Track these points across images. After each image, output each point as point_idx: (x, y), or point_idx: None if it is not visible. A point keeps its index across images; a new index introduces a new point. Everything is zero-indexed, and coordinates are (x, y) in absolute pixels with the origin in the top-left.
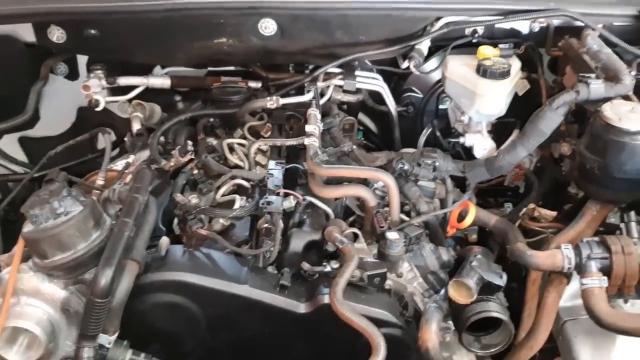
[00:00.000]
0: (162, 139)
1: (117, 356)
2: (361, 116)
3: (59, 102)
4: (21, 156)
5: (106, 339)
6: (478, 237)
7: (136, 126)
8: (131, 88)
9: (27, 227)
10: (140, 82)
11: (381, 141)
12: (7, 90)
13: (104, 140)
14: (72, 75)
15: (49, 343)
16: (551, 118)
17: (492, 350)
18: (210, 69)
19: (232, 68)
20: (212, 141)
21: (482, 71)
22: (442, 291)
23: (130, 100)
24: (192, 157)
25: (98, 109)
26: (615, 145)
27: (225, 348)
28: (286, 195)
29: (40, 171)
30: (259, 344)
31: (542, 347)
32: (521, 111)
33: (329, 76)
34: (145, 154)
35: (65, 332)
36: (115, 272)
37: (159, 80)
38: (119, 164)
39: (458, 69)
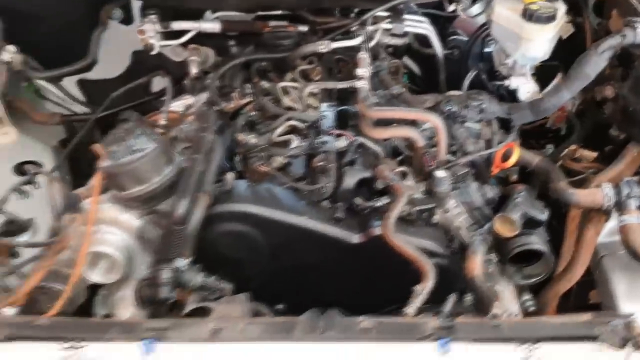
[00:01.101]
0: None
1: (190, 278)
2: (405, 59)
3: (114, 46)
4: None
5: (181, 263)
6: (518, 177)
7: (194, 69)
8: (183, 33)
9: (106, 162)
10: (192, 26)
11: (425, 84)
12: (70, 37)
13: (165, 81)
14: (127, 20)
15: (126, 267)
16: (596, 62)
17: (533, 280)
18: (258, 13)
19: (279, 12)
20: (265, 84)
21: (528, 15)
22: (487, 225)
23: (183, 45)
24: (251, 99)
25: (152, 53)
26: None
27: (285, 274)
28: (339, 135)
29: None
30: (314, 271)
31: (579, 280)
32: (564, 55)
33: (377, 20)
34: (203, 96)
35: (139, 257)
36: (190, 202)
37: (210, 24)
38: (177, 106)
39: (504, 13)
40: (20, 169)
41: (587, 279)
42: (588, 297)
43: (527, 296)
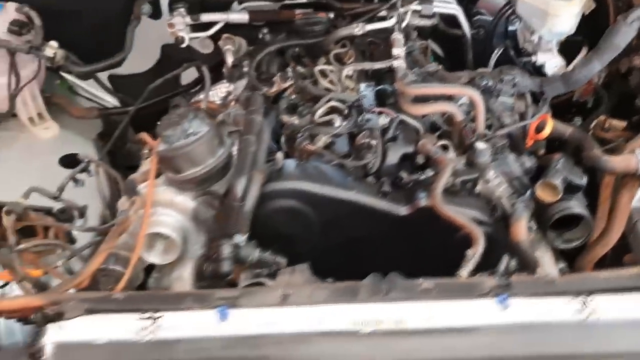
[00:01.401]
0: None
1: (247, 254)
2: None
3: (143, 41)
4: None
5: (239, 239)
6: (545, 152)
7: (230, 59)
8: (211, 24)
9: (161, 146)
10: (220, 17)
11: (449, 66)
12: (106, 33)
13: (203, 71)
14: (155, 14)
15: (182, 247)
16: (626, 32)
17: (573, 244)
18: (284, 2)
19: (304, 0)
20: (300, 69)
21: None
22: (528, 192)
23: (211, 37)
24: (292, 82)
25: (183, 46)
26: None
27: (335, 249)
28: (380, 113)
29: (128, 105)
30: (362, 244)
31: (614, 245)
32: (588, 30)
33: (406, 1)
34: (242, 83)
35: (194, 237)
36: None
37: (238, 15)
38: (215, 94)
39: None
40: (65, 161)
41: (622, 243)
42: (623, 261)
43: (562, 264)
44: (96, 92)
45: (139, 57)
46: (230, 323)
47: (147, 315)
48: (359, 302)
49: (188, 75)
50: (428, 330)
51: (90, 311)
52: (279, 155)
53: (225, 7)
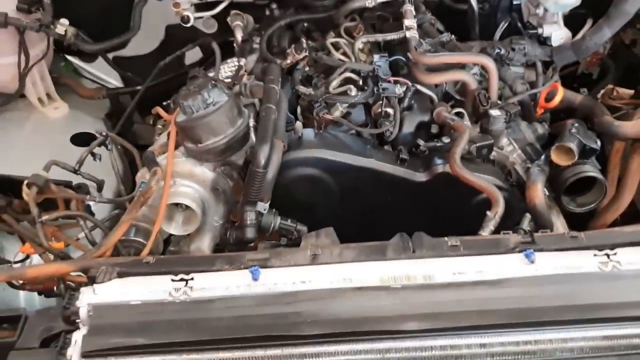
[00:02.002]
0: None
1: (270, 221)
2: None
3: (148, 22)
4: (114, 74)
5: (262, 206)
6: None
7: (240, 34)
8: (216, 4)
9: (181, 117)
10: None
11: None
12: (113, 11)
13: (214, 47)
14: None
15: (202, 218)
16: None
17: (587, 207)
18: None
19: None
20: (311, 43)
21: None
22: (543, 157)
23: (215, 17)
24: (306, 54)
25: (188, 25)
26: None
27: (355, 216)
28: (395, 82)
29: (132, 86)
30: (383, 211)
31: (624, 211)
32: (590, 3)
33: None
34: (252, 58)
35: (213, 208)
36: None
37: None
38: (226, 69)
39: None
40: (76, 139)
41: (631, 210)
42: None
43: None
44: (99, 74)
45: (143, 39)
46: (262, 282)
47: (179, 277)
48: (387, 259)
49: (191, 57)
50: (457, 284)
51: (122, 274)
52: (299, 124)
53: None
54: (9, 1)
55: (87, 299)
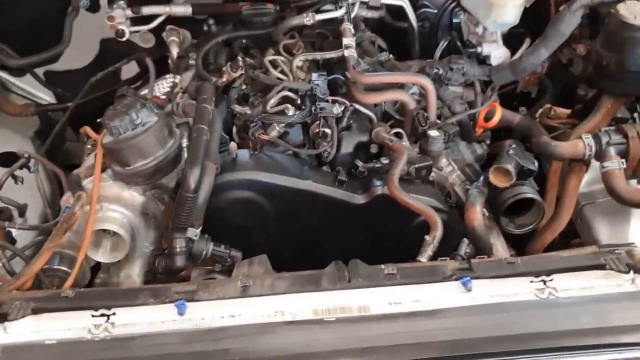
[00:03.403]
0: None
1: (201, 247)
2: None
3: (81, 35)
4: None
5: (193, 232)
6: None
7: (175, 50)
8: (152, 18)
9: (107, 138)
10: (163, 10)
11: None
12: (41, 24)
13: (148, 62)
14: (94, 7)
15: (131, 244)
16: (570, 20)
17: (526, 229)
18: None
19: None
20: (249, 60)
21: None
22: (482, 178)
23: (152, 30)
24: (243, 72)
25: (123, 39)
26: (631, 41)
27: (292, 239)
28: (334, 102)
29: (65, 102)
30: (320, 234)
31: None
32: (529, 22)
33: None
34: (189, 74)
35: (143, 234)
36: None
37: (181, 8)
38: (161, 85)
39: None
40: (2, 159)
41: (569, 229)
42: (571, 246)
43: (512, 251)
44: (30, 89)
45: (77, 53)
46: (189, 317)
47: (100, 312)
48: (321, 290)
49: (127, 71)
50: (393, 315)
51: (38, 310)
52: (233, 145)
53: (166, 0)
54: None
55: None
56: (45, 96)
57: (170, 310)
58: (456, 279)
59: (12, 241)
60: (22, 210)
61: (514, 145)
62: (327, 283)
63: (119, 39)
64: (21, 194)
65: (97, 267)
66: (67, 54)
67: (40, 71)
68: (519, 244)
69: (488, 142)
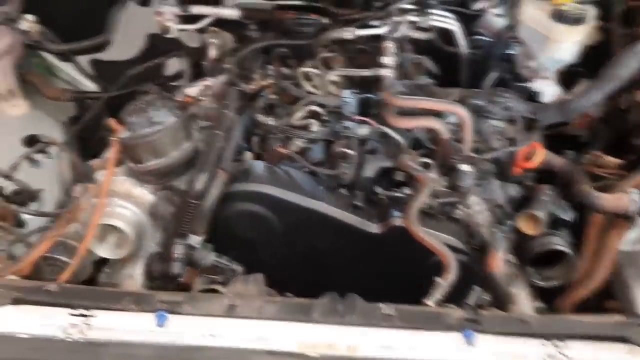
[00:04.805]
0: None
1: (202, 257)
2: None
3: (130, 28)
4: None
5: (195, 240)
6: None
7: (213, 52)
8: (201, 17)
9: (124, 134)
10: (211, 11)
11: (441, 83)
12: (88, 13)
13: (182, 64)
14: (145, 1)
15: (135, 243)
16: (629, 63)
17: (553, 282)
18: (278, 2)
19: (300, 3)
20: (285, 70)
21: (558, 16)
22: (509, 223)
23: (199, 30)
24: (272, 81)
25: (169, 36)
26: None
27: (297, 260)
28: (361, 122)
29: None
30: (328, 258)
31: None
32: (589, 61)
33: (402, 12)
34: (222, 78)
35: (150, 234)
36: (209, 178)
37: (230, 11)
38: (194, 88)
39: (532, 13)
40: (29, 141)
41: (605, 288)
42: (604, 308)
43: (539, 304)
44: (76, 76)
45: (126, 45)
46: (167, 330)
47: (79, 312)
48: (311, 321)
49: (175, 67)
50: None
51: (18, 301)
52: (248, 154)
53: (216, 0)
54: None
55: None
56: (92, 85)
57: (150, 319)
58: (460, 330)
59: (21, 224)
60: (33, 195)
61: (548, 191)
62: (318, 315)
63: (164, 35)
64: (43, 178)
65: (105, 260)
66: (116, 45)
67: (86, 59)
68: (550, 297)
69: (529, 182)
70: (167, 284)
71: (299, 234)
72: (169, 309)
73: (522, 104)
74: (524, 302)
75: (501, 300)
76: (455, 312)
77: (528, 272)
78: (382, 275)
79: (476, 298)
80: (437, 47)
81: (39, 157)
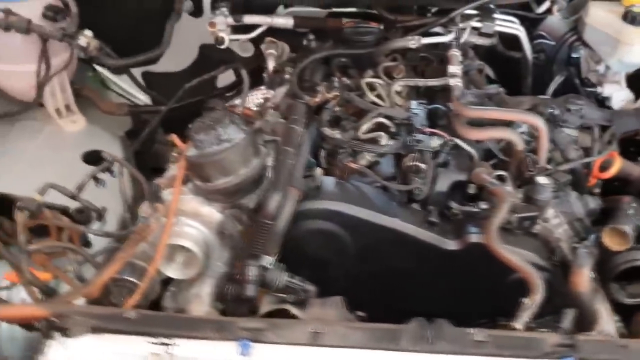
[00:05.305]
0: None
1: (275, 278)
2: None
3: (182, 39)
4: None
5: (267, 260)
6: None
7: (271, 64)
8: (253, 27)
9: (191, 151)
10: (264, 21)
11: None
12: (144, 26)
13: (242, 74)
14: (197, 12)
15: (203, 262)
16: None
17: (638, 299)
18: (331, 10)
19: (354, 10)
20: (346, 80)
21: (630, 18)
22: (592, 237)
23: (252, 40)
24: (337, 93)
25: (223, 46)
26: None
27: (370, 278)
28: (432, 134)
29: (159, 104)
30: (402, 277)
31: None
32: None
33: (465, 18)
34: (282, 90)
35: (218, 253)
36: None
37: (283, 20)
38: (253, 99)
39: (601, 15)
40: (89, 157)
41: None
42: None
43: (616, 317)
44: (129, 88)
45: (176, 56)
46: (252, 359)
47: (159, 340)
48: (399, 349)
49: (224, 78)
50: None
51: (97, 330)
52: (318, 171)
53: (269, 10)
54: (36, 8)
55: (56, 355)
56: (143, 97)
57: (232, 348)
58: (557, 358)
59: (88, 244)
60: (100, 213)
61: (633, 204)
62: (406, 342)
63: (218, 46)
64: (105, 195)
65: (170, 279)
66: (167, 57)
67: (138, 71)
68: (627, 313)
69: (598, 190)
70: (240, 307)
71: (372, 252)
72: (252, 337)
73: (597, 111)
74: (607, 320)
75: (587, 319)
76: (550, 338)
77: (612, 288)
78: (458, 292)
79: (570, 320)
80: (498, 52)
81: (103, 176)
